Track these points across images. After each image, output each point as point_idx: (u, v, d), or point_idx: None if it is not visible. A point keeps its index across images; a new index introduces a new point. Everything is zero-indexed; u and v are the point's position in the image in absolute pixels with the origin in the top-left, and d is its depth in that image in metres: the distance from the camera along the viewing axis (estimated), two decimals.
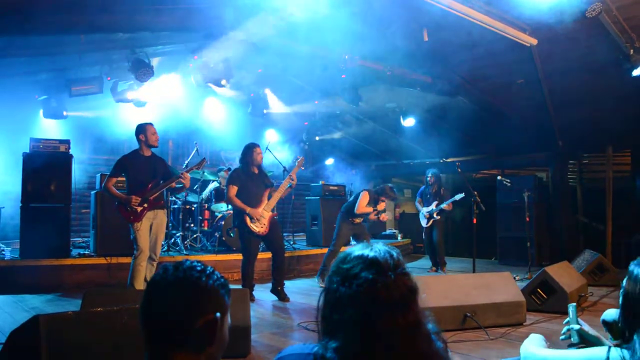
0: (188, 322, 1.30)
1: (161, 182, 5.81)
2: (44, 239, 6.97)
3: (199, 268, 1.37)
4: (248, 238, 6.32)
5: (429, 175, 9.10)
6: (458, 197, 8.51)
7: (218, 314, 1.33)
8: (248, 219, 6.23)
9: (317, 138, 12.73)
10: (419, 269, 9.36)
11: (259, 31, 7.32)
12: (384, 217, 7.72)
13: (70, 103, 8.93)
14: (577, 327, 1.96)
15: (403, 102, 10.58)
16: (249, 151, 6.49)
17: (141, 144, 5.82)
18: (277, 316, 5.71)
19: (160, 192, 5.77)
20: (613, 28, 6.68)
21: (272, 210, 6.54)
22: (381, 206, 7.60)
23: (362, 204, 7.46)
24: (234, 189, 6.31)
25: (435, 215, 8.89)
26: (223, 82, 8.24)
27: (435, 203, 8.90)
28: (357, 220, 7.56)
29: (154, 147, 5.88)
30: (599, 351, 1.78)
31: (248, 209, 6.22)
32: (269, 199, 6.44)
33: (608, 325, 2.18)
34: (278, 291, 6.49)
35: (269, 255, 8.49)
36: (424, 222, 9.12)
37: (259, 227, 6.27)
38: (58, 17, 6.17)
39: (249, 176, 6.42)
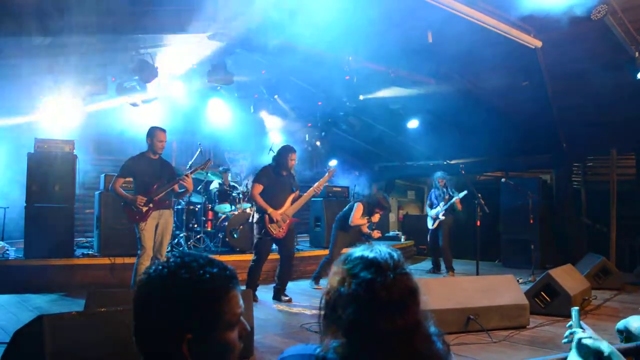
0: (161, 335, 1.16)
1: (166, 183, 5.86)
2: (48, 238, 7.00)
3: (185, 274, 1.17)
4: (263, 239, 6.29)
5: (439, 177, 9.09)
6: (461, 194, 8.53)
7: (191, 335, 1.15)
8: (268, 220, 6.20)
9: (318, 142, 12.74)
10: (421, 271, 9.35)
11: (263, 33, 7.35)
12: (376, 234, 7.49)
13: (74, 104, 8.93)
14: (579, 331, 1.96)
15: (407, 104, 10.57)
16: (285, 154, 6.40)
17: (147, 146, 5.92)
18: (280, 317, 5.71)
19: (165, 192, 5.83)
20: (618, 30, 6.66)
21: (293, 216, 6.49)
22: (375, 218, 7.45)
23: (357, 216, 7.34)
24: (259, 188, 6.27)
25: (441, 216, 8.88)
26: (224, 79, 8.23)
27: (442, 204, 8.92)
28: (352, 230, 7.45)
29: (158, 154, 5.93)
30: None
31: (270, 210, 6.18)
32: (292, 204, 6.41)
33: (622, 333, 2.18)
34: (279, 293, 6.50)
35: (274, 256, 8.52)
36: (429, 224, 9.13)
37: (277, 230, 6.24)
38: (64, 19, 6.19)
39: (277, 177, 6.37)
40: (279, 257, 6.61)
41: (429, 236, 9.21)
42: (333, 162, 13.79)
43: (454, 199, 8.70)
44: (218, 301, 1.19)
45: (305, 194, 6.49)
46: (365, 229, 7.48)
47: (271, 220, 6.20)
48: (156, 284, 1.18)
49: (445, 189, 9.03)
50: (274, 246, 6.67)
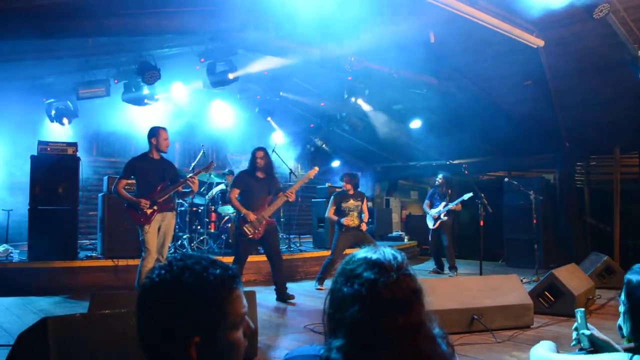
0: (168, 340, 1.16)
1: (169, 185, 5.85)
2: (51, 241, 7.00)
3: (189, 278, 1.17)
4: (239, 240, 6.42)
5: (439, 176, 9.14)
6: (466, 196, 8.51)
7: (199, 338, 1.15)
8: (242, 221, 6.31)
9: (323, 145, 12.74)
10: (424, 271, 9.33)
11: (265, 33, 7.35)
12: (347, 221, 7.33)
13: (77, 106, 8.97)
14: (587, 332, 1.95)
15: (409, 104, 10.57)
16: (252, 155, 6.56)
17: (152, 147, 5.87)
18: (284, 318, 5.71)
19: (169, 194, 5.81)
20: (621, 29, 6.65)
21: (271, 217, 6.53)
22: (350, 203, 7.37)
23: (329, 211, 7.48)
24: (235, 192, 6.42)
25: (442, 217, 8.87)
26: (231, 75, 8.21)
27: (442, 204, 8.91)
28: (351, 224, 7.34)
29: (164, 153, 5.93)
30: (618, 357, 1.77)
31: (243, 211, 6.29)
32: (269, 205, 6.47)
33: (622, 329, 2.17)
34: (281, 294, 6.53)
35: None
36: (430, 224, 9.12)
37: (252, 231, 6.30)
38: (66, 21, 6.21)
39: (253, 180, 6.47)
40: (268, 260, 6.65)
41: (431, 236, 9.19)
42: (336, 163, 13.80)
43: (458, 201, 8.68)
44: (222, 302, 1.19)
45: (277, 199, 6.51)
46: (351, 223, 7.34)
47: (245, 221, 6.28)
48: (160, 289, 1.18)
49: (445, 189, 9.01)
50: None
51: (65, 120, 8.90)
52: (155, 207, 5.72)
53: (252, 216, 6.28)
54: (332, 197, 7.57)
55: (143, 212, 5.66)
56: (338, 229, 7.46)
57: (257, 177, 6.48)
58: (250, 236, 6.30)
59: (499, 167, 12.33)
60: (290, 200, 6.53)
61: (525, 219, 9.30)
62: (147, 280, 1.21)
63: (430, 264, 9.68)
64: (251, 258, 6.74)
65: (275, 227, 6.66)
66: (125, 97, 8.73)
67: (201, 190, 9.11)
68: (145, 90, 8.76)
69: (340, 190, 7.69)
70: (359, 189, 7.71)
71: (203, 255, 1.25)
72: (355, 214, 7.41)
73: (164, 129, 5.92)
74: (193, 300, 1.16)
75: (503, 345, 4.52)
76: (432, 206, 9.19)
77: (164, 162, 5.98)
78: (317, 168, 6.94)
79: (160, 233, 5.83)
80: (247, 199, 6.39)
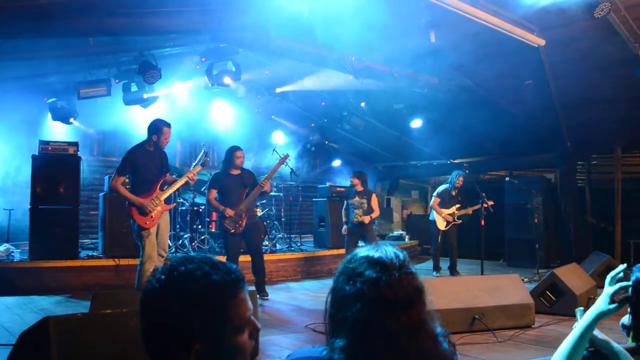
0: (169, 346, 1.14)
1: (174, 175, 5.75)
2: (52, 240, 7.02)
3: (189, 285, 1.14)
4: (225, 237, 6.51)
5: (459, 177, 8.69)
6: (489, 205, 8.02)
7: (199, 345, 1.13)
8: (222, 218, 6.42)
9: (325, 141, 12.73)
10: (425, 271, 9.29)
11: (265, 32, 7.35)
12: (358, 214, 7.66)
13: (78, 105, 8.96)
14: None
15: (410, 103, 10.56)
16: (229, 154, 6.61)
17: (150, 141, 5.57)
18: (285, 317, 5.71)
19: (172, 192, 5.72)
20: (622, 28, 6.64)
21: (251, 210, 6.61)
22: (355, 200, 7.69)
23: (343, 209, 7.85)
24: (212, 193, 6.53)
25: (457, 220, 8.68)
26: (227, 80, 8.22)
27: (456, 206, 8.67)
28: (354, 220, 7.65)
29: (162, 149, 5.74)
30: None
31: (221, 208, 6.39)
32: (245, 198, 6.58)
33: (628, 328, 2.17)
34: (259, 289, 6.58)
35: (276, 257, 8.53)
36: (442, 225, 8.71)
37: (233, 225, 6.38)
38: (67, 21, 6.21)
39: (228, 178, 6.56)
40: (250, 256, 6.72)
41: (440, 237, 8.73)
42: (337, 162, 13.81)
43: (481, 206, 8.01)
44: (225, 307, 1.16)
45: (257, 186, 6.59)
46: (354, 219, 7.68)
47: (224, 217, 6.40)
48: (160, 295, 1.16)
49: (459, 192, 8.74)
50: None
51: (71, 120, 8.91)
52: (159, 208, 5.48)
53: (229, 211, 6.37)
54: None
55: (149, 214, 5.38)
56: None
57: (231, 175, 6.57)
58: (233, 230, 6.38)
59: (500, 166, 12.32)
60: (266, 189, 6.58)
61: (527, 218, 9.30)
62: (149, 285, 1.20)
63: (431, 264, 9.49)
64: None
65: (257, 222, 6.82)
66: (126, 99, 8.72)
67: (202, 189, 9.10)
68: (146, 90, 8.76)
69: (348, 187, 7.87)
70: (368, 187, 7.85)
71: (205, 258, 1.21)
72: (361, 211, 7.58)
73: (167, 126, 5.61)
74: (194, 307, 1.13)
75: (504, 345, 4.52)
76: (440, 204, 8.75)
77: (159, 154, 5.69)
78: (288, 154, 7.12)
79: (159, 232, 5.61)
80: (224, 197, 6.50)
